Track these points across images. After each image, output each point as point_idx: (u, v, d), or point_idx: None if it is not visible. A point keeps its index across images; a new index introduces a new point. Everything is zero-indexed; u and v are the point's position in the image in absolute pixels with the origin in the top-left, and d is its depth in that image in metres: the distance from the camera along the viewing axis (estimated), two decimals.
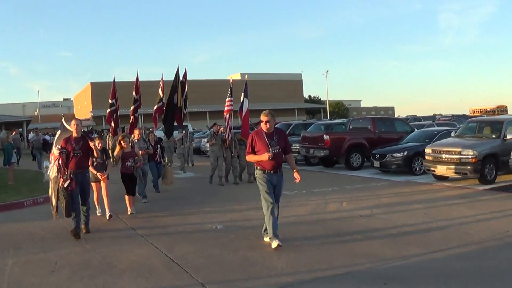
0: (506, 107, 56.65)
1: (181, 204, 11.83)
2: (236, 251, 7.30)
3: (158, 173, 13.76)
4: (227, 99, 16.11)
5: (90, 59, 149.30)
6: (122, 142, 10.58)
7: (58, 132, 9.53)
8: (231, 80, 17.02)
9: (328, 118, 70.48)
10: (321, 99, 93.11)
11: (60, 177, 8.49)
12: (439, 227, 8.45)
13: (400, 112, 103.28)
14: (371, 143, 18.30)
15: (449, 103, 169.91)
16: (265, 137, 7.37)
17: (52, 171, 8.95)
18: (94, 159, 9.71)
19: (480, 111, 49.09)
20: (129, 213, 10.51)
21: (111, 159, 10.78)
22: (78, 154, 8.63)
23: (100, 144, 9.91)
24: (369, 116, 25.21)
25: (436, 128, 19.87)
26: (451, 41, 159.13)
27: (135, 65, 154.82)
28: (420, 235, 7.93)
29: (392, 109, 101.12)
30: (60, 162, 8.47)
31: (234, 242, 7.85)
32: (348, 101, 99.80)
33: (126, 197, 10.64)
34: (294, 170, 7.51)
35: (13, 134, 26.09)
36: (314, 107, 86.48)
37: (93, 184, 10.23)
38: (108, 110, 20.97)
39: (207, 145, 27.45)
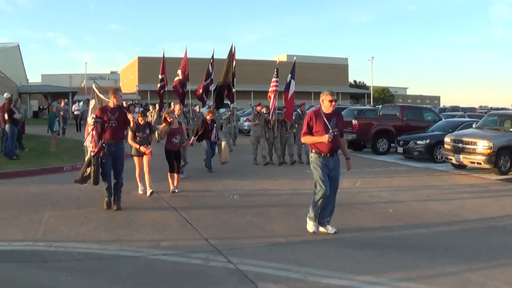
0: None
1: (209, 176, 12.78)
2: (243, 216, 8.23)
3: (212, 152, 13.69)
4: (273, 80, 16.00)
5: (139, 33, 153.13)
6: (167, 118, 10.42)
7: (92, 102, 10.07)
8: (277, 61, 17.40)
9: (372, 103, 70.01)
10: (366, 85, 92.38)
11: (92, 146, 8.63)
12: (436, 208, 9.07)
13: (446, 102, 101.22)
14: (398, 129, 18.83)
15: (496, 96, 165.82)
16: (324, 118, 7.04)
17: (87, 141, 9.20)
18: (137, 134, 9.88)
19: None
20: (172, 191, 10.23)
21: (156, 134, 10.66)
22: (113, 125, 8.44)
23: (143, 121, 10.05)
24: (398, 104, 25.56)
25: (462, 119, 20.10)
26: (501, 33, 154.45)
27: (184, 41, 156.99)
28: (415, 214, 8.58)
29: (438, 98, 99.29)
30: (94, 131, 8.50)
31: (244, 209, 8.78)
32: (394, 88, 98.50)
33: (169, 174, 10.49)
34: (347, 158, 7.31)
35: (63, 105, 26.98)
36: (359, 92, 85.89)
37: (136, 159, 10.19)
38: (158, 85, 22.30)
39: (245, 123, 28.33)
